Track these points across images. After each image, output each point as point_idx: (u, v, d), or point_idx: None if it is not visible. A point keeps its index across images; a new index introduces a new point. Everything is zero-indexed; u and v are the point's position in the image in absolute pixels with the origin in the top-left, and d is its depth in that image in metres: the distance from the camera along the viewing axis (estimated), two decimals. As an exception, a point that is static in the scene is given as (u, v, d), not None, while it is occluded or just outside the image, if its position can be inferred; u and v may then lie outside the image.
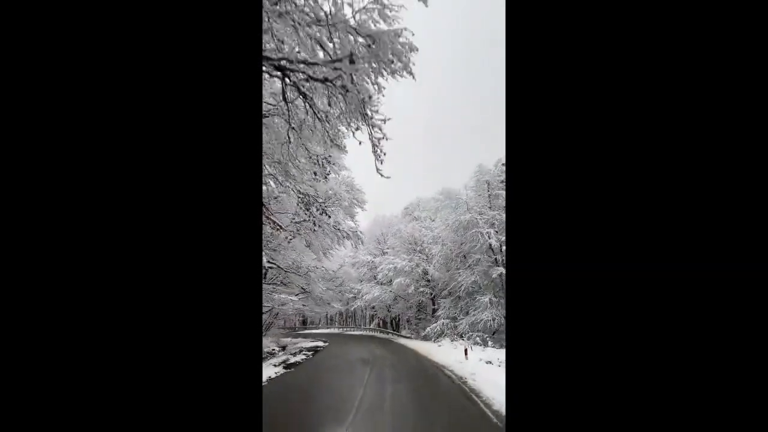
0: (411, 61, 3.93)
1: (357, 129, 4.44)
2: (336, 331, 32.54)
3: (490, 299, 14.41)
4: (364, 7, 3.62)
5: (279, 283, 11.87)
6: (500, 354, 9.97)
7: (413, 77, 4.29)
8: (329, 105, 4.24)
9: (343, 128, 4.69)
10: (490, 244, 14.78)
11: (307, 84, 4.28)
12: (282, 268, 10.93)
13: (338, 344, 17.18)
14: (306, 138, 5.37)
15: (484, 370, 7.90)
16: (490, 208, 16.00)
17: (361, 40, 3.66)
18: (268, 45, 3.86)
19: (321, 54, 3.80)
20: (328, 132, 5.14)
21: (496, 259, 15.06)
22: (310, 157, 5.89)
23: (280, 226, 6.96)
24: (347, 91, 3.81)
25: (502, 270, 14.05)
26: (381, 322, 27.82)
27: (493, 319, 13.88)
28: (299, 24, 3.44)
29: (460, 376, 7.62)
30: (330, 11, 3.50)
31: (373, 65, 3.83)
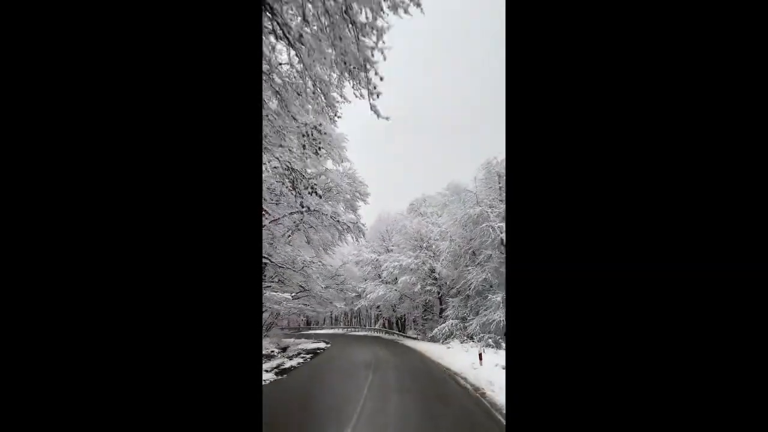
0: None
1: (355, 69, 3.56)
2: (340, 331, 32.19)
3: (502, 298, 13.36)
4: None
5: (276, 280, 11.02)
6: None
7: (420, 8, 3.41)
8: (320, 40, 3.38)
9: (335, 76, 3.77)
10: (502, 239, 13.72)
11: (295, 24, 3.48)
12: (277, 264, 10.02)
13: (340, 346, 16.32)
14: (289, 101, 4.45)
15: (501, 378, 6.89)
16: (501, 201, 14.95)
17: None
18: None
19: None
20: (320, 89, 4.24)
21: (508, 255, 14.06)
22: (298, 127, 4.96)
23: (266, 211, 6.08)
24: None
25: (515, 266, 13.03)
26: (386, 322, 27.10)
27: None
28: None
29: (477, 386, 6.66)
30: None
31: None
